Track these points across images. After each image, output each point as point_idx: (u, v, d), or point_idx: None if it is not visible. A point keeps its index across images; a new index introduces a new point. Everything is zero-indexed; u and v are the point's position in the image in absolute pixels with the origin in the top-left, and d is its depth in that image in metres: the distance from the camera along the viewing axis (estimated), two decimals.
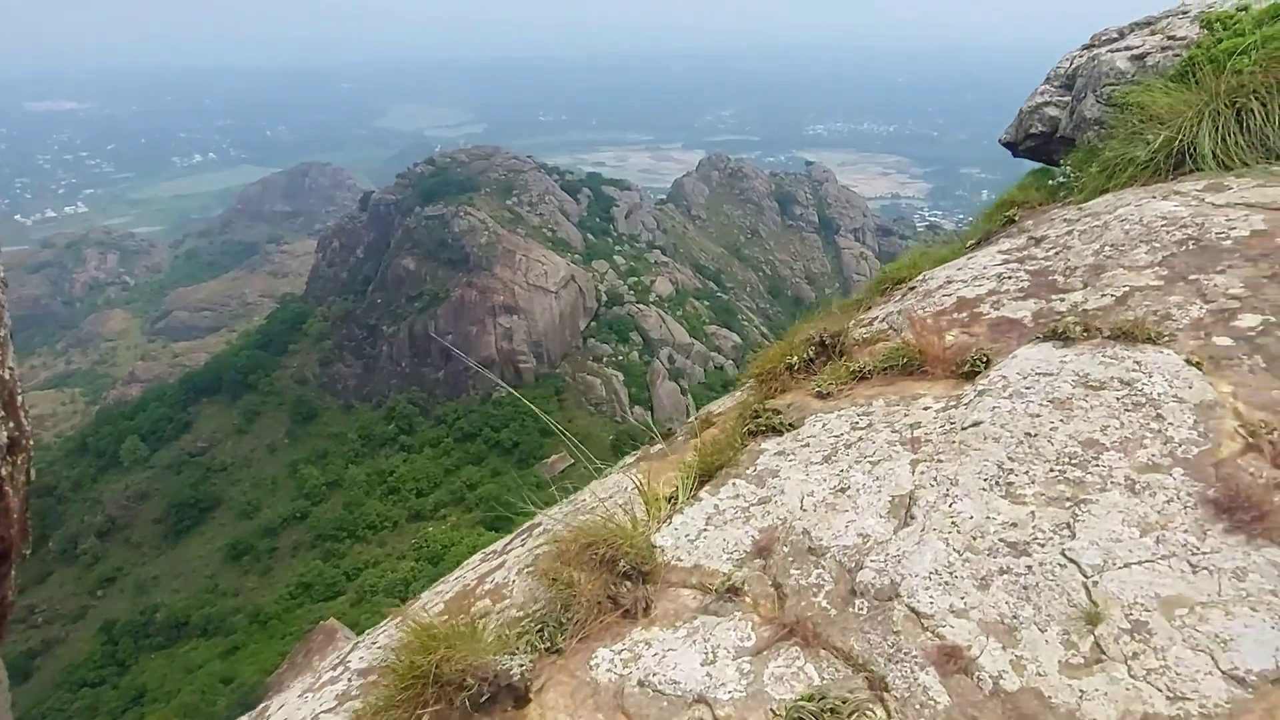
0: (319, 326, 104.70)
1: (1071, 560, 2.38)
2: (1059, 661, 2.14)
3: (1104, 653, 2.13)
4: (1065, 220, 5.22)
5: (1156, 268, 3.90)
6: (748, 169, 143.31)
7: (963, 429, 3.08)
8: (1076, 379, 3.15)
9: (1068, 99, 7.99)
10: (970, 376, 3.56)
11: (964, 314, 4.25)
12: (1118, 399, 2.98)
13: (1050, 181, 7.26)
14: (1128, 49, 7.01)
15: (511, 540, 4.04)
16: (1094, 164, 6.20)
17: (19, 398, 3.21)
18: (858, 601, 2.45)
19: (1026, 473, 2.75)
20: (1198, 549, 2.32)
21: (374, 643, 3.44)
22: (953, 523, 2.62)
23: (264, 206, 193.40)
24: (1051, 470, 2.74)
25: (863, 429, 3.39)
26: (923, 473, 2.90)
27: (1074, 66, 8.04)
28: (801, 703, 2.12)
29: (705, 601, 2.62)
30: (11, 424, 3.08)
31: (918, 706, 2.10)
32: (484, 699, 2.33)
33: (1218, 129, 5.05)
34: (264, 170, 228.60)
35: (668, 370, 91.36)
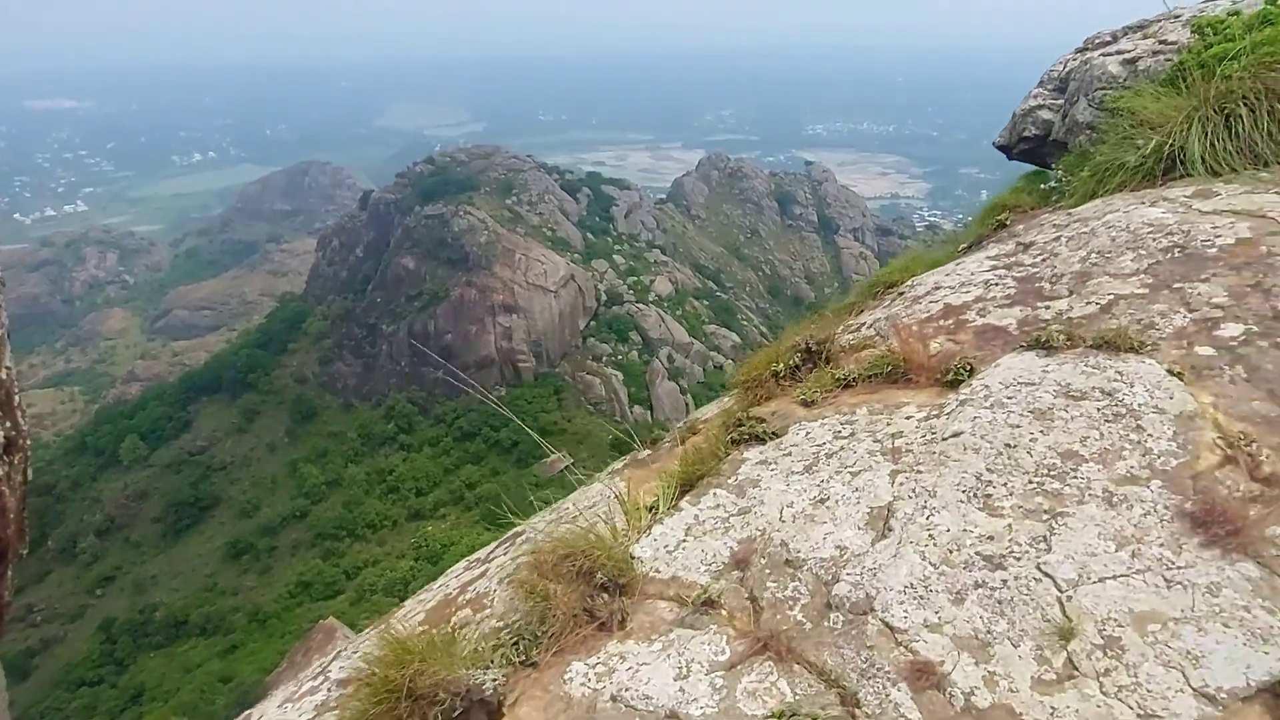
0: (319, 325, 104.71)
1: (1047, 574, 2.38)
2: (1031, 677, 2.14)
3: (1076, 669, 2.12)
4: (1054, 226, 5.21)
5: (1142, 275, 3.89)
6: (747, 169, 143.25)
7: (943, 439, 3.07)
8: (1058, 389, 3.14)
9: (1060, 102, 7.98)
10: (954, 385, 3.55)
11: (950, 321, 4.24)
12: (1098, 409, 2.97)
13: (1043, 185, 7.25)
14: (1120, 53, 7.00)
15: (495, 548, 4.03)
16: (1085, 168, 6.18)
17: (16, 397, 3.20)
18: (833, 615, 2.44)
19: (1005, 485, 2.74)
20: (1173, 563, 2.32)
21: (355, 652, 3.44)
22: (929, 535, 2.61)
23: (264, 205, 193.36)
24: (1030, 482, 2.73)
25: (845, 438, 3.38)
26: (901, 484, 2.90)
27: (1067, 70, 8.03)
28: (773, 719, 2.12)
29: (682, 614, 2.61)
30: (8, 424, 3.07)
31: None
32: (457, 713, 2.33)
33: (1207, 135, 5.04)
34: (264, 169, 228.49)
35: (667, 370, 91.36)
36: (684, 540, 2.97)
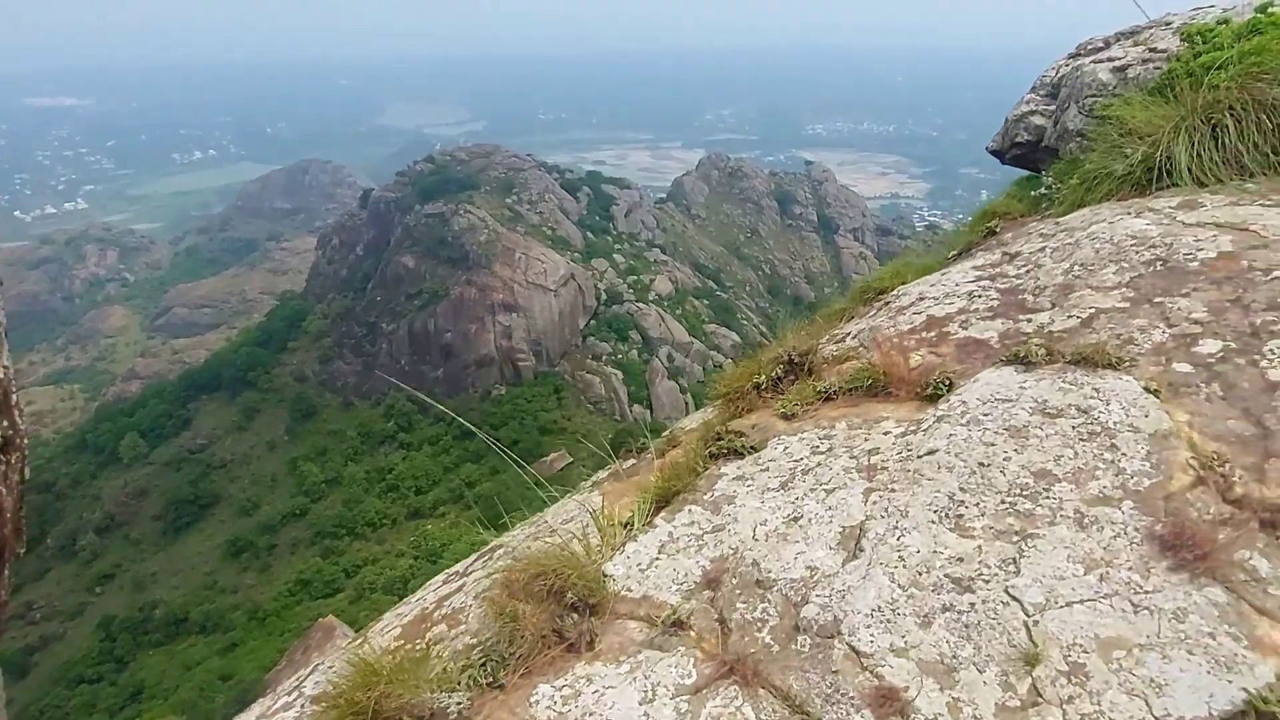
0: (319, 324, 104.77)
1: (1014, 598, 2.37)
2: (995, 704, 2.13)
3: (1040, 695, 2.11)
4: (1040, 235, 5.20)
5: (1124, 289, 3.88)
6: (747, 168, 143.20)
7: (918, 457, 3.06)
8: (1034, 406, 3.13)
9: (1052, 108, 7.97)
10: (934, 399, 3.54)
11: (932, 333, 4.23)
12: (1073, 428, 2.96)
13: (1034, 192, 7.24)
14: (1110, 60, 6.98)
15: (474, 561, 4.03)
16: (1074, 176, 6.17)
17: (13, 396, 3.19)
18: (800, 638, 2.43)
19: (977, 504, 2.73)
20: (1140, 588, 2.30)
21: (330, 667, 3.43)
22: (900, 556, 2.60)
23: (264, 203, 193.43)
24: (1002, 502, 2.72)
25: (822, 454, 3.37)
26: (875, 502, 2.89)
27: (1059, 75, 8.02)
28: None
29: (651, 635, 2.60)
30: (5, 422, 3.07)
31: None
32: None
33: (1194, 145, 5.03)
34: (264, 167, 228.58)
35: (667, 369, 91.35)
36: (657, 558, 2.96)
